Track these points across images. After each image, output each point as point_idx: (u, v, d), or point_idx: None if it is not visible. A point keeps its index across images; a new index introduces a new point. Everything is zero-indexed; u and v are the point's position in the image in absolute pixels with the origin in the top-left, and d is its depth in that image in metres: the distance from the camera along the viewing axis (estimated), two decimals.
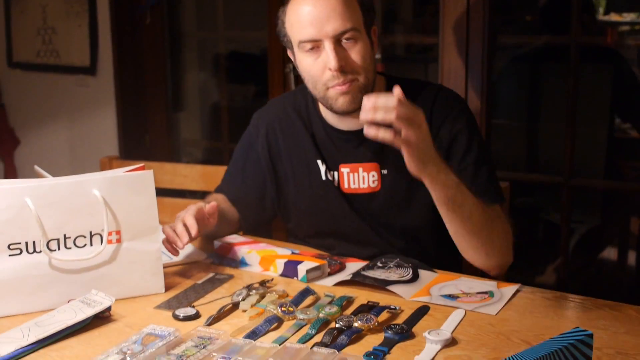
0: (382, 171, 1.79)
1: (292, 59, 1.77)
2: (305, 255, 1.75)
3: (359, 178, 1.80)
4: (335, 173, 1.82)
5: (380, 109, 1.39)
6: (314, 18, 1.63)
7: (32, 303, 1.50)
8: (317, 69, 1.67)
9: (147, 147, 3.62)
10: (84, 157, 3.70)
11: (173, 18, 3.67)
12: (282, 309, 1.45)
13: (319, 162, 1.83)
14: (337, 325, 1.38)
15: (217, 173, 2.02)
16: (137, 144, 3.59)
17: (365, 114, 1.40)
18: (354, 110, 1.69)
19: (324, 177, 1.83)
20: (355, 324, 1.38)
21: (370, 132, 1.42)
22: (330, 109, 1.74)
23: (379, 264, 1.69)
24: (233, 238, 1.88)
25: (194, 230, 1.65)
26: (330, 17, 1.62)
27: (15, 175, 3.91)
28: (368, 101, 1.40)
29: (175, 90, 3.73)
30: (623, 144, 3.15)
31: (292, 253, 1.76)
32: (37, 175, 1.69)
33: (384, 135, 1.41)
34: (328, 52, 1.63)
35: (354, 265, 1.72)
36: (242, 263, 1.77)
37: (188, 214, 1.69)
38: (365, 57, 1.66)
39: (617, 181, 3.11)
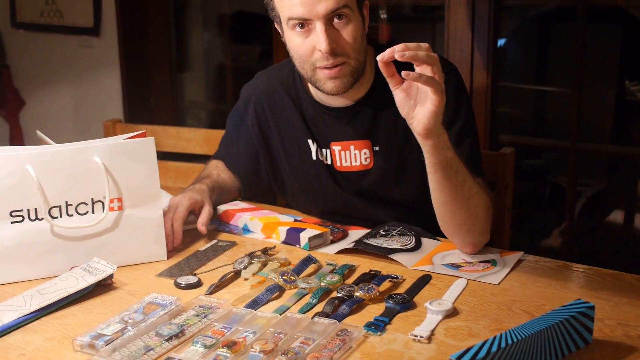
0: (374, 148, 1.76)
1: (280, 33, 1.72)
2: (307, 222, 1.74)
3: (350, 156, 1.78)
4: (327, 151, 1.80)
5: (418, 49, 1.31)
6: None
7: (35, 270, 1.50)
8: (305, 48, 1.63)
9: (152, 109, 3.60)
10: (88, 119, 3.69)
11: None
12: (284, 277, 1.45)
13: (310, 141, 1.80)
14: (339, 295, 1.38)
15: (220, 137, 2.01)
16: (141, 106, 3.58)
17: (401, 52, 1.30)
18: (344, 92, 1.67)
19: (314, 157, 1.80)
20: (357, 294, 1.38)
21: (411, 75, 1.29)
22: (319, 89, 1.70)
23: (382, 232, 1.69)
24: (236, 204, 1.87)
25: (177, 241, 1.65)
26: None
27: (21, 137, 3.91)
28: (397, 46, 1.31)
29: (179, 51, 3.70)
30: (633, 106, 3.12)
31: (295, 220, 1.75)
32: (39, 141, 1.69)
33: (426, 76, 1.30)
34: (319, 33, 1.58)
35: (356, 233, 1.72)
36: (244, 230, 1.77)
37: (177, 217, 1.66)
38: (357, 37, 1.61)
39: (623, 146, 3.09)
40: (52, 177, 1.49)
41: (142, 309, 1.34)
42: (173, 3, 3.56)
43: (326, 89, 1.66)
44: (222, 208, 1.84)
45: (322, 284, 1.43)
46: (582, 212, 3.16)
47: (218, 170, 1.94)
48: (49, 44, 3.72)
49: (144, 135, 1.60)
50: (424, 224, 1.71)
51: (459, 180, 1.48)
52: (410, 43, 1.32)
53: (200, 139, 2.45)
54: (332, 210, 1.83)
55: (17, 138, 3.89)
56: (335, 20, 1.59)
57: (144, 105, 3.58)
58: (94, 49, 3.56)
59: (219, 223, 1.81)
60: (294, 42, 1.65)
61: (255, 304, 1.37)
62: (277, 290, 1.42)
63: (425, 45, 1.33)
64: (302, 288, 1.43)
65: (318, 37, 1.59)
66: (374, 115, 1.75)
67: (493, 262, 1.55)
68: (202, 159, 2.33)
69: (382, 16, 3.43)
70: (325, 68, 1.62)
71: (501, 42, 2.85)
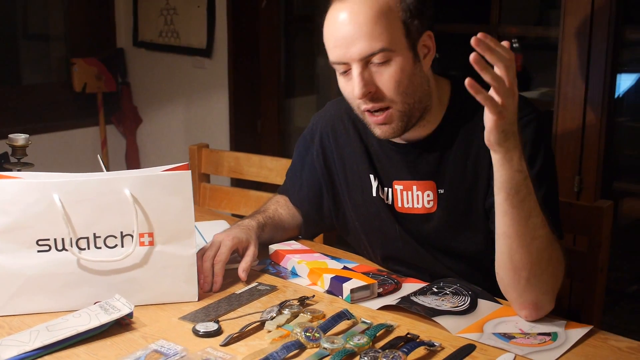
0: (439, 191, 1.60)
1: None
2: (357, 271, 1.60)
3: (412, 197, 1.62)
4: (389, 190, 1.65)
5: (498, 51, 1.18)
6: (339, 39, 1.45)
7: (58, 302, 1.45)
8: (348, 91, 1.52)
9: (259, 133, 3.56)
10: (197, 140, 3.68)
11: (289, 1, 3.57)
12: (307, 334, 1.31)
13: (372, 176, 1.67)
14: None
15: None
16: (249, 129, 3.55)
17: (477, 41, 1.16)
18: (396, 137, 1.54)
19: (374, 194, 1.66)
20: None
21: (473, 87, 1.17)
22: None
23: (434, 289, 1.52)
24: (289, 244, 1.75)
25: (217, 286, 1.55)
26: (355, 37, 1.43)
27: (137, 154, 3.97)
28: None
29: (288, 75, 3.64)
30: None
31: (344, 267, 1.61)
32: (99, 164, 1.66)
33: (484, 94, 1.18)
34: (354, 77, 1.46)
35: (410, 287, 1.56)
36: (292, 273, 1.64)
37: (219, 259, 1.56)
38: (402, 80, 1.46)
39: None
40: (79, 207, 1.43)
41: (144, 357, 1.24)
42: (284, 26, 3.51)
43: (375, 134, 1.54)
44: (273, 248, 1.72)
45: (348, 345, 1.28)
46: None
47: (277, 205, 1.84)
48: (165, 63, 3.77)
49: (185, 167, 1.52)
50: (487, 282, 1.52)
51: (524, 210, 1.31)
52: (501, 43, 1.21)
53: (281, 169, 2.34)
54: (392, 254, 1.68)
55: (133, 155, 3.96)
56: (375, 62, 1.46)
57: (251, 128, 3.55)
58: (205, 69, 3.56)
59: (268, 263, 1.70)
60: (340, 83, 1.55)
61: None
62: (295, 348, 1.28)
63: (511, 54, 1.21)
64: (324, 348, 1.28)
65: (353, 82, 1.47)
66: (441, 155, 1.59)
67: (553, 336, 1.34)
68: None
69: (514, 45, 3.33)
70: (369, 113, 1.50)
71: (625, 77, 2.58)
